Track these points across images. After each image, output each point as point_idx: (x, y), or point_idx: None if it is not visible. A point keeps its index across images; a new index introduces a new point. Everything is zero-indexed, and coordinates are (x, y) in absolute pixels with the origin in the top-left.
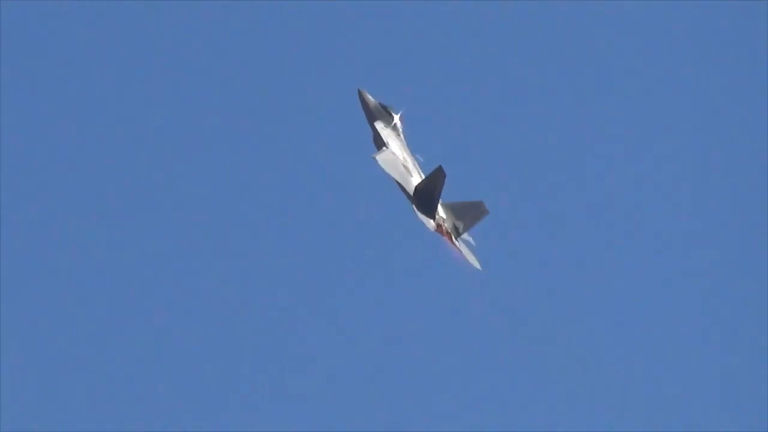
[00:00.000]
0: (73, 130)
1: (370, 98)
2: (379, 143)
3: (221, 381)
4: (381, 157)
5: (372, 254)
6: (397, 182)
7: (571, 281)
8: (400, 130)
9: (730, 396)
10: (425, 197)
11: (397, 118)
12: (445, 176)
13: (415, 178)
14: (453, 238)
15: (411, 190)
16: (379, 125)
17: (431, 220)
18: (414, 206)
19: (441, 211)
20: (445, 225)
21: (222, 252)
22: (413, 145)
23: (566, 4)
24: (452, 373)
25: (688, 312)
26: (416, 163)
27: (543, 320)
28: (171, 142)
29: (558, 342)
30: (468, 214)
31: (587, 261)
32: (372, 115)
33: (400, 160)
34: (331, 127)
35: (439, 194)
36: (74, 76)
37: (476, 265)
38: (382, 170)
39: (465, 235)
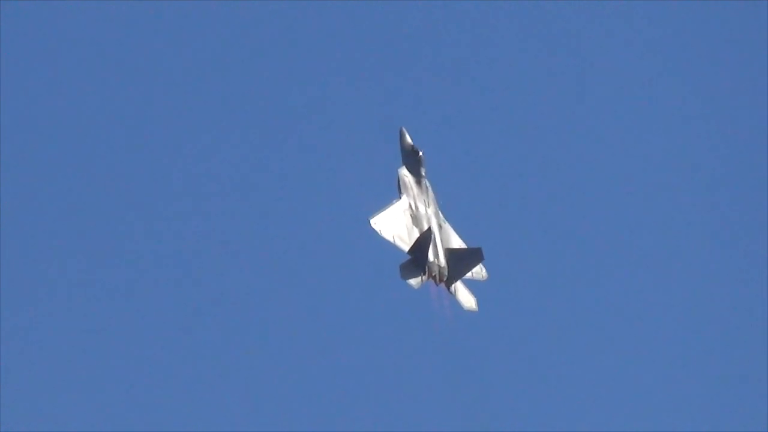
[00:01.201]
0: (73, 129)
1: (406, 139)
2: (400, 190)
3: (222, 381)
4: (376, 220)
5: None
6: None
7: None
8: (424, 173)
9: (730, 396)
10: (418, 254)
11: (421, 160)
12: (430, 236)
13: (417, 233)
14: (448, 284)
15: (406, 249)
16: (402, 171)
17: (418, 278)
18: (400, 268)
19: (441, 259)
20: (441, 273)
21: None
22: (439, 182)
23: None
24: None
25: (689, 312)
26: (430, 207)
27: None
28: (170, 143)
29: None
30: (464, 260)
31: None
32: (404, 156)
33: (402, 219)
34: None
35: (427, 252)
36: (74, 76)
37: (472, 307)
38: (378, 233)
39: (479, 272)
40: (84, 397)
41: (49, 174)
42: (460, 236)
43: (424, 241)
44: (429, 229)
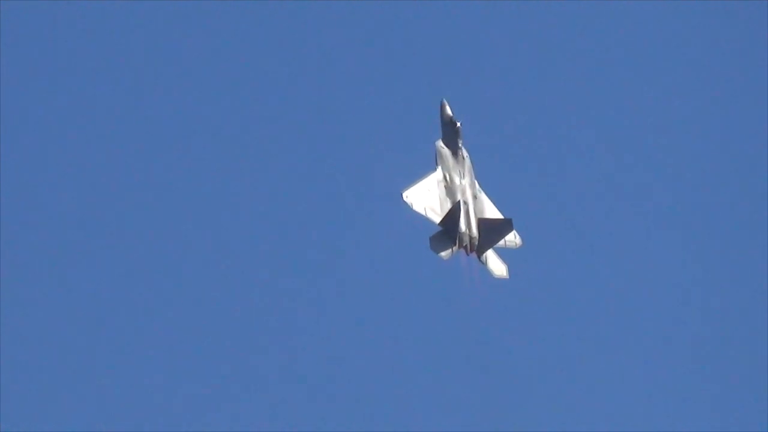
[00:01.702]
0: (73, 130)
1: (446, 110)
2: (437, 162)
3: (222, 381)
4: (408, 193)
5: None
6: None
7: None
8: (461, 144)
9: (730, 396)
10: (450, 226)
11: (459, 132)
12: (459, 209)
13: (450, 204)
14: (479, 253)
15: (437, 221)
16: (439, 143)
17: (448, 250)
18: (430, 240)
19: (473, 229)
20: (472, 243)
21: (228, 263)
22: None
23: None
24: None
25: (689, 312)
26: (465, 178)
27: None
28: (171, 143)
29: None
30: (495, 230)
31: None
32: (443, 127)
33: (435, 191)
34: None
35: (457, 224)
36: (74, 76)
37: (503, 275)
38: (410, 206)
39: (513, 240)
40: (84, 397)
41: (49, 174)
42: (497, 205)
43: (453, 213)
44: (458, 202)
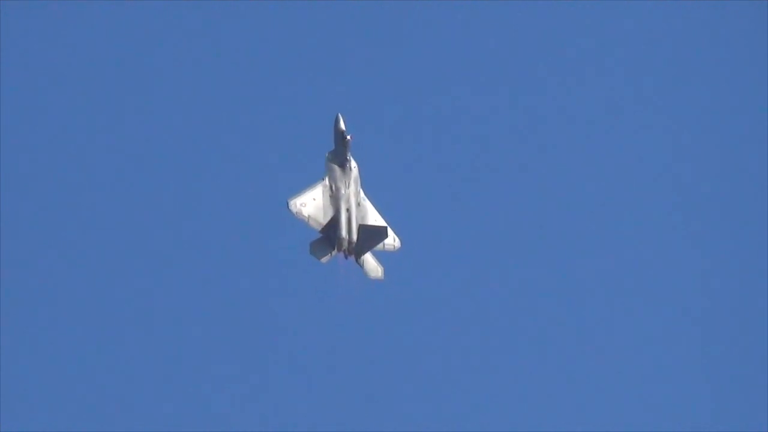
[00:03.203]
0: (73, 130)
1: (339, 124)
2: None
3: (220, 381)
4: (294, 202)
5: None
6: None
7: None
8: (349, 156)
9: (729, 396)
10: (331, 233)
11: (347, 144)
12: (338, 219)
13: (333, 212)
14: (357, 257)
15: (319, 229)
16: (328, 155)
17: (327, 255)
18: (310, 245)
19: (354, 235)
20: (350, 248)
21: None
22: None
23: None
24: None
25: (688, 312)
26: (350, 187)
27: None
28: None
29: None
30: (371, 236)
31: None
32: (335, 139)
33: (320, 200)
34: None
35: (337, 232)
36: (74, 76)
37: (378, 276)
38: (295, 214)
39: (392, 243)
40: (84, 397)
41: (49, 174)
42: (382, 212)
43: (333, 222)
44: (338, 211)
